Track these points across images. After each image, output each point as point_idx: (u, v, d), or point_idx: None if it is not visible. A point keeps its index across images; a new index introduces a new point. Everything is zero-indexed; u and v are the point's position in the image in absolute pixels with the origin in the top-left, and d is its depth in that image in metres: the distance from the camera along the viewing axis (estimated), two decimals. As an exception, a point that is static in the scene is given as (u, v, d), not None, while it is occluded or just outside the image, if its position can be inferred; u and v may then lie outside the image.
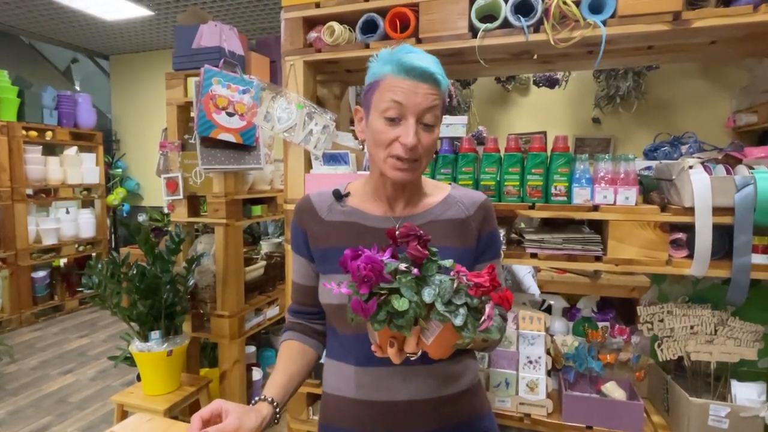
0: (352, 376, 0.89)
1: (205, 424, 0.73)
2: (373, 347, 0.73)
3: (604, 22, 1.27)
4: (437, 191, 0.95)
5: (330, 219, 0.92)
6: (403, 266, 0.69)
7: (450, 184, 0.99)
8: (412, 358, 0.72)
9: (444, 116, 1.58)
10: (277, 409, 0.83)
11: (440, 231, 0.89)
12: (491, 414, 0.98)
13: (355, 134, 1.62)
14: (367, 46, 1.49)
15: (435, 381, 0.87)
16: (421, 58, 0.80)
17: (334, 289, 0.70)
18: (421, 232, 0.71)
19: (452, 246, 0.88)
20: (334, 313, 0.90)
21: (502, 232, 1.41)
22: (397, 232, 0.72)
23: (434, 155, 1.54)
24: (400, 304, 0.66)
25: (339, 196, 0.94)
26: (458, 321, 0.66)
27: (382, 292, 0.67)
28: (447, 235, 0.89)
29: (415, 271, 0.69)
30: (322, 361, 1.00)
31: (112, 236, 5.52)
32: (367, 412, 0.87)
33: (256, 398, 0.83)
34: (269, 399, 0.83)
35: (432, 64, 0.80)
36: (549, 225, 1.57)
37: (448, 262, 0.73)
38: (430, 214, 0.91)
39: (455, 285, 0.69)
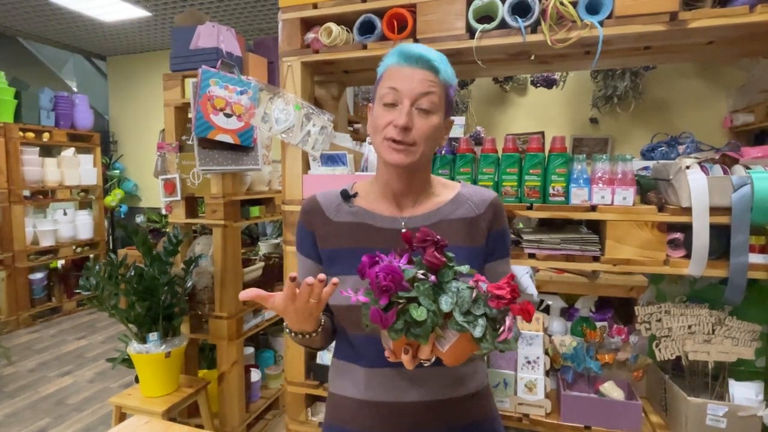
0: (362, 377, 0.88)
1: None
2: (386, 353, 0.73)
3: (601, 23, 1.27)
4: (446, 190, 0.94)
5: (338, 220, 0.91)
6: (420, 273, 0.68)
7: (460, 182, 0.98)
8: (425, 365, 0.71)
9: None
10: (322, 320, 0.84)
11: (450, 230, 0.88)
12: (499, 418, 0.97)
13: (352, 135, 1.62)
14: (365, 47, 1.49)
15: (444, 383, 0.87)
16: (423, 47, 0.83)
17: (352, 298, 0.69)
18: (438, 237, 0.70)
19: (462, 245, 0.87)
20: (344, 315, 0.89)
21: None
22: (413, 237, 0.71)
23: (438, 147, 1.53)
24: (418, 313, 0.65)
25: (347, 196, 0.93)
26: (477, 332, 0.64)
27: (400, 301, 0.66)
28: (456, 234, 0.88)
29: (432, 278, 0.68)
30: (327, 363, 0.99)
31: (110, 238, 5.51)
32: (376, 413, 0.86)
33: None
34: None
35: (431, 52, 0.83)
36: (547, 225, 1.57)
37: (464, 268, 0.72)
38: (439, 214, 0.90)
39: (474, 294, 0.67)
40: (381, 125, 0.83)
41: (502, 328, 0.66)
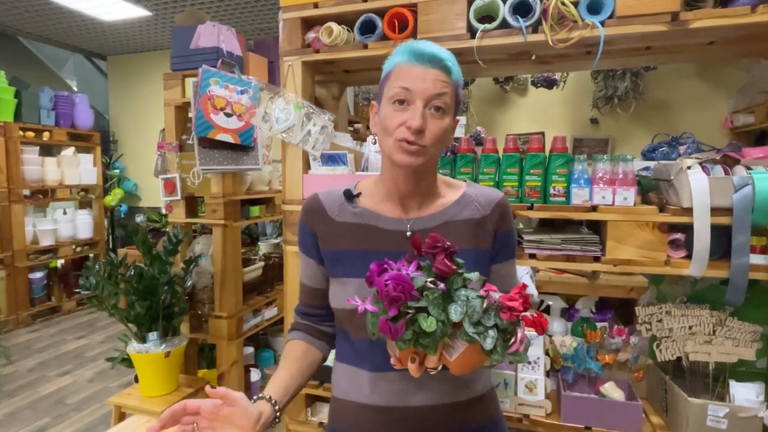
0: (367, 381, 0.86)
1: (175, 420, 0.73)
2: (392, 360, 0.71)
3: (603, 23, 1.27)
4: (451, 190, 0.92)
5: (341, 220, 0.89)
6: (429, 281, 0.66)
7: (465, 181, 0.96)
8: (431, 373, 0.70)
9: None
10: (276, 408, 0.81)
11: (456, 232, 0.86)
12: (503, 420, 0.96)
13: (352, 135, 1.62)
14: (366, 47, 1.49)
15: (450, 386, 0.86)
16: (434, 45, 0.81)
17: (359, 306, 0.67)
18: (448, 243, 0.69)
19: (468, 247, 0.86)
20: (347, 319, 0.87)
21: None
22: (422, 242, 0.70)
23: (445, 148, 1.53)
24: (428, 324, 0.63)
25: (350, 196, 0.91)
26: (488, 344, 0.62)
27: (410, 311, 0.64)
28: (463, 236, 0.86)
29: (441, 286, 0.66)
30: (330, 364, 0.98)
31: (110, 237, 5.51)
32: (382, 418, 0.85)
33: (255, 397, 0.81)
34: (267, 397, 0.81)
35: (443, 51, 0.81)
36: (547, 225, 1.57)
37: (473, 275, 0.70)
38: (445, 215, 0.88)
39: (485, 304, 0.65)
40: (392, 126, 0.80)
41: (513, 340, 0.64)
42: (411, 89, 0.79)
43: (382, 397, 0.85)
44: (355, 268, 0.85)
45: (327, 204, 0.91)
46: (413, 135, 0.78)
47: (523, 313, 0.65)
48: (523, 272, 2.06)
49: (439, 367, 0.69)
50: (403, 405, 0.84)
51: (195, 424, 0.73)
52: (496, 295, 0.66)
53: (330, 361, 0.99)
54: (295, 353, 0.92)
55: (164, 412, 0.72)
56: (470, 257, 0.83)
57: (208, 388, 0.74)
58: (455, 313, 0.64)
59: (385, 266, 0.67)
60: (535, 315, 0.66)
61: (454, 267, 0.68)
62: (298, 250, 0.96)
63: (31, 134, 4.23)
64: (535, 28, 1.34)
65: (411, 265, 0.69)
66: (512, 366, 1.52)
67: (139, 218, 5.20)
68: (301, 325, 0.98)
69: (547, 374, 1.53)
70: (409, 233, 0.86)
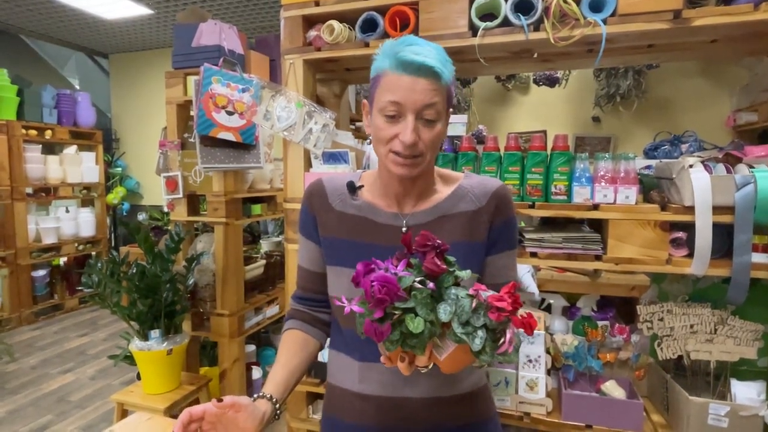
0: (356, 370, 0.88)
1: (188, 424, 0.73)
2: (382, 358, 0.71)
3: (605, 21, 1.27)
4: (447, 183, 0.92)
5: (341, 209, 0.90)
6: (417, 281, 0.65)
7: (464, 172, 0.95)
8: (423, 371, 0.70)
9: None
10: (277, 405, 0.82)
11: (450, 227, 0.86)
12: (496, 418, 0.96)
13: (354, 133, 1.62)
14: (367, 45, 1.49)
15: (437, 381, 0.86)
16: (421, 50, 0.77)
17: (345, 308, 0.66)
18: (439, 241, 0.67)
19: (461, 241, 0.85)
20: (339, 309, 0.87)
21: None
22: (413, 240, 0.69)
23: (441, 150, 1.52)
24: (415, 325, 0.62)
25: (353, 189, 0.91)
26: (476, 345, 0.61)
27: (396, 312, 0.63)
28: (457, 230, 0.86)
29: (430, 285, 0.65)
30: (324, 360, 0.99)
31: (112, 235, 5.52)
32: (370, 407, 0.86)
33: (256, 395, 0.82)
34: (268, 396, 0.82)
35: (431, 57, 0.76)
36: (549, 224, 1.57)
37: (465, 274, 0.69)
38: (440, 210, 0.88)
39: (474, 304, 0.64)
40: (385, 138, 0.80)
41: (502, 340, 0.63)
42: (401, 102, 0.77)
43: (371, 386, 0.87)
44: (349, 259, 0.86)
45: (329, 191, 0.92)
46: (407, 149, 0.78)
47: (512, 314, 0.63)
48: (524, 270, 2.06)
49: (430, 366, 0.69)
50: (391, 396, 0.86)
51: (198, 429, 0.74)
52: (485, 294, 0.65)
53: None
54: (293, 346, 0.92)
55: (174, 428, 0.72)
56: (463, 250, 0.83)
57: (214, 401, 0.74)
58: (444, 312, 0.63)
59: (372, 266, 0.66)
60: (525, 315, 0.64)
61: (444, 266, 0.67)
62: (299, 233, 0.97)
63: (33, 132, 4.24)
64: (537, 26, 1.33)
65: (399, 265, 0.68)
66: (513, 364, 1.52)
67: (141, 216, 5.20)
68: (298, 312, 0.98)
69: (548, 372, 1.53)
70: (404, 229, 0.87)
